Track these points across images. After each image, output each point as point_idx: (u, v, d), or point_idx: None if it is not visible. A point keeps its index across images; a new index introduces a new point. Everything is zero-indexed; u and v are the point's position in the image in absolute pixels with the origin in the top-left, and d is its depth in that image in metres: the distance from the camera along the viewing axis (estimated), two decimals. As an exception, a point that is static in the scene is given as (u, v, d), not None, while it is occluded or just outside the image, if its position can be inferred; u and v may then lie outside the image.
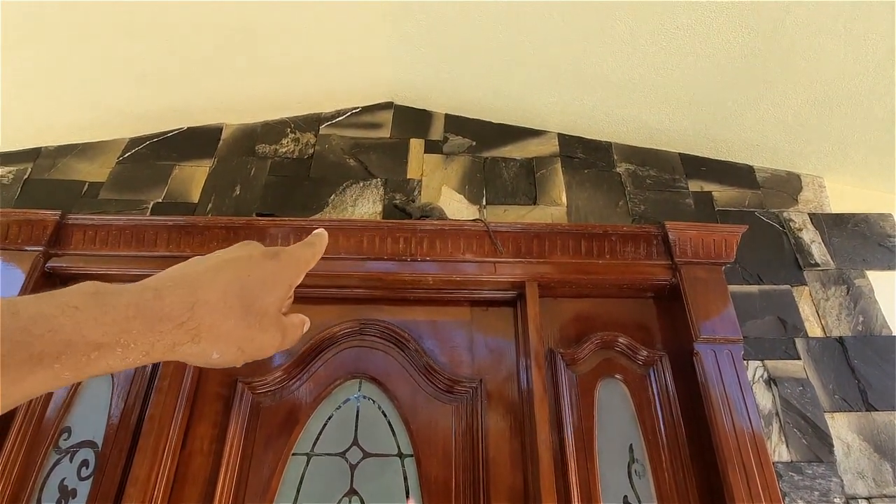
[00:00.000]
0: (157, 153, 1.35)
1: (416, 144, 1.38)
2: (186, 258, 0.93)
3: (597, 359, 1.17)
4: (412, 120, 1.43)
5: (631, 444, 1.11)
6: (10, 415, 1.08)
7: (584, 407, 1.12)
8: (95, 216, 1.17)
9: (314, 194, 1.28)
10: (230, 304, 0.29)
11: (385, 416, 1.13)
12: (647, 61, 1.15)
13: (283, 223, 1.16)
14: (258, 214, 1.23)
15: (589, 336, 1.17)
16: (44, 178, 1.31)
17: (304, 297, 1.20)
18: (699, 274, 1.18)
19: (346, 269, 1.15)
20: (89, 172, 1.32)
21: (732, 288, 1.19)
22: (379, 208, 1.26)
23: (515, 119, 1.42)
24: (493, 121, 1.43)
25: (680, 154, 1.42)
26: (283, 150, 1.36)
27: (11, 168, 1.32)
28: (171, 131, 1.39)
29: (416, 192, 1.28)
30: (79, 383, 1.13)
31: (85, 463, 1.06)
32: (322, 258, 1.15)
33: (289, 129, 1.40)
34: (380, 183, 1.30)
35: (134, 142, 1.37)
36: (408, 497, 1.05)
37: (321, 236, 0.41)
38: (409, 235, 1.15)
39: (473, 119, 1.43)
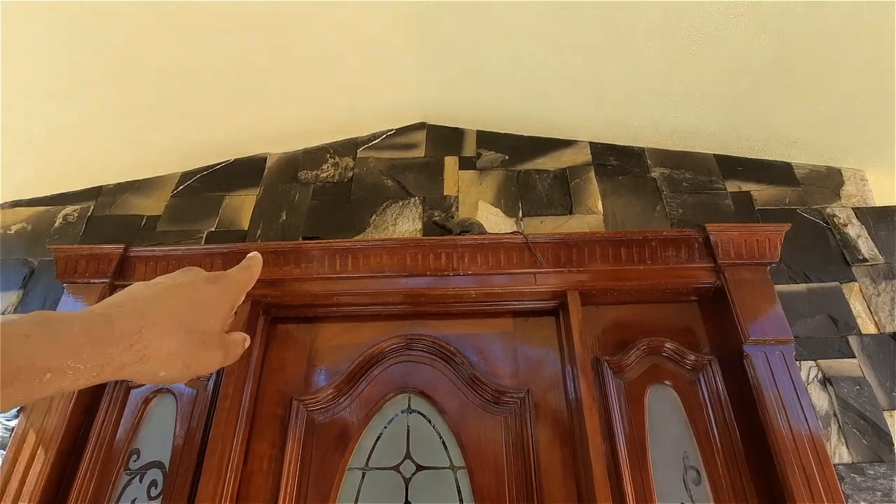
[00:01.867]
0: (208, 185, 1.43)
1: (450, 162, 1.42)
2: None
3: (644, 365, 1.17)
4: (445, 138, 1.47)
5: (685, 451, 1.09)
6: (84, 438, 1.15)
7: (634, 414, 1.12)
8: (156, 248, 1.25)
9: (356, 215, 1.33)
10: (176, 326, 0.32)
11: (435, 429, 1.15)
12: (677, 65, 1.16)
13: (330, 245, 1.21)
14: (304, 238, 1.28)
15: (634, 342, 1.16)
16: (106, 214, 1.40)
17: (351, 316, 1.25)
18: (744, 275, 1.17)
19: (390, 287, 1.19)
20: (147, 207, 1.40)
21: (779, 288, 1.17)
22: (419, 226, 1.30)
23: (547, 131, 1.45)
24: (525, 134, 1.46)
25: (715, 155, 1.41)
26: (324, 175, 1.42)
27: (76, 206, 1.43)
28: (219, 164, 1.47)
29: (453, 209, 1.32)
30: (145, 408, 1.19)
31: (154, 483, 1.11)
32: (367, 276, 1.20)
33: (328, 155, 1.46)
34: (418, 201, 1.34)
35: (185, 176, 1.45)
36: (462, 509, 1.07)
37: (255, 258, 0.45)
38: (451, 251, 1.18)
39: (505, 133, 1.47)
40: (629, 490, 1.03)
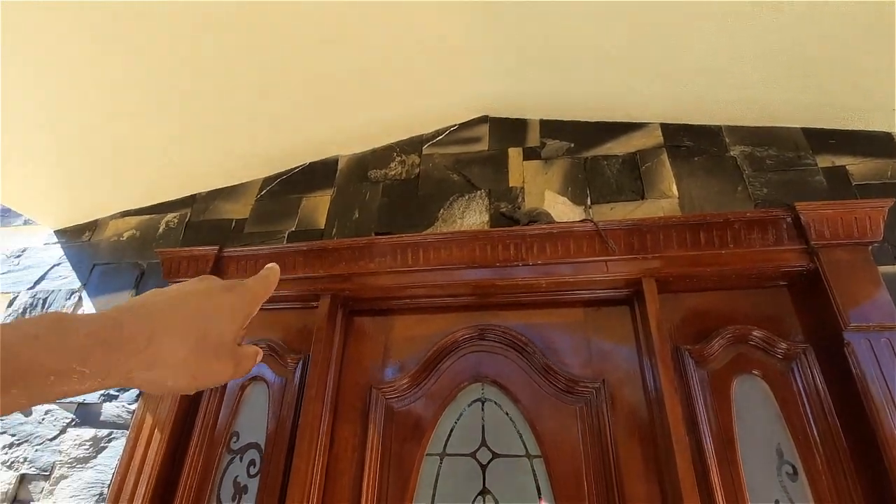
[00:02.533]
0: (287, 188, 1.53)
1: (514, 153, 1.42)
2: (321, 278, 1.05)
3: (729, 355, 1.11)
4: (508, 130, 1.47)
5: (778, 445, 1.03)
6: (191, 423, 1.28)
7: (719, 406, 1.07)
8: (245, 248, 1.36)
9: (424, 210, 1.37)
10: (187, 334, 0.31)
11: (509, 417, 1.16)
12: (757, 34, 1.09)
13: (401, 239, 1.25)
14: (377, 234, 1.34)
15: (718, 331, 1.11)
16: (201, 219, 1.55)
17: (423, 307, 1.29)
18: (841, 256, 1.07)
19: (460, 278, 1.21)
20: (235, 211, 1.53)
21: (883, 269, 1.07)
22: (486, 218, 1.31)
23: (613, 115, 1.41)
24: (590, 120, 1.43)
25: (803, 129, 1.30)
26: (392, 173, 1.47)
27: (176, 214, 1.58)
28: (296, 168, 1.57)
29: (519, 199, 1.32)
30: (241, 394, 1.30)
31: (252, 462, 1.22)
32: (437, 269, 1.23)
33: (395, 154, 1.51)
34: (484, 194, 1.36)
35: (267, 181, 1.57)
36: (540, 497, 1.07)
37: (273, 269, 0.43)
38: (519, 241, 1.19)
39: (569, 121, 1.44)
40: (717, 485, 0.98)
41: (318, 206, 1.47)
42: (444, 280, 1.22)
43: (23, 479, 1.24)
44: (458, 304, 1.27)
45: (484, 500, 1.08)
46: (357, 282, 1.26)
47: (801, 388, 1.05)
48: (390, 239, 1.26)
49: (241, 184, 1.59)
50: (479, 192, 1.37)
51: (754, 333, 1.10)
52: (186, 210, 1.58)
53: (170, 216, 1.58)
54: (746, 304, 1.16)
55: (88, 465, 1.22)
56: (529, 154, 1.41)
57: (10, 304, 1.55)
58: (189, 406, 1.28)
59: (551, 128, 1.45)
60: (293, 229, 1.44)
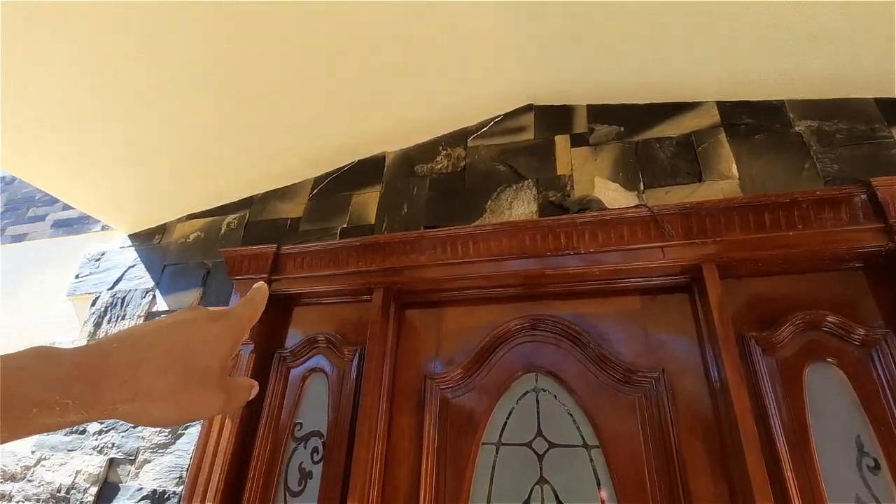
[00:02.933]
0: (338, 186, 1.58)
1: (561, 141, 1.40)
2: (373, 272, 1.08)
3: (799, 342, 1.05)
4: (554, 117, 1.45)
5: (858, 437, 0.96)
6: (258, 413, 1.35)
7: (790, 396, 1.01)
8: (301, 245, 1.42)
9: (472, 203, 1.37)
10: (172, 364, 0.30)
11: (565, 407, 1.15)
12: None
13: (450, 232, 1.27)
14: (425, 227, 1.36)
15: (787, 317, 1.05)
16: (258, 219, 1.62)
17: (474, 299, 1.30)
18: (926, 234, 0.99)
19: (511, 269, 1.21)
20: (289, 210, 1.60)
21: (979, 247, 0.98)
22: (534, 208, 1.30)
23: (665, 96, 1.36)
24: (641, 102, 1.38)
25: (876, 99, 1.21)
26: (439, 167, 1.49)
27: (235, 215, 1.67)
28: (345, 166, 1.61)
29: (568, 188, 1.30)
30: (302, 385, 1.36)
31: (315, 449, 1.27)
32: (487, 260, 1.23)
33: (440, 147, 1.53)
34: (531, 183, 1.35)
35: (318, 180, 1.62)
36: (599, 488, 1.06)
37: (260, 290, 0.41)
38: (570, 230, 1.17)
39: (618, 105, 1.40)
40: (791, 479, 0.94)
41: (368, 202, 1.50)
42: (494, 271, 1.22)
43: (111, 463, 1.36)
44: (509, 295, 1.27)
45: (542, 490, 1.08)
46: (408, 275, 1.29)
47: (883, 376, 0.98)
48: (439, 231, 1.28)
49: (294, 184, 1.65)
50: (526, 182, 1.36)
51: (828, 319, 1.03)
52: (245, 211, 1.67)
53: (230, 217, 1.67)
54: (817, 288, 1.09)
55: (168, 450, 1.31)
56: (577, 141, 1.39)
57: (94, 303, 1.69)
58: (256, 396, 1.35)
59: (599, 113, 1.42)
60: (345, 225, 1.49)
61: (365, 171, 1.58)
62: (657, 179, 1.26)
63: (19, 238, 2.16)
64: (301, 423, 1.32)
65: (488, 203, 1.36)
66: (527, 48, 1.31)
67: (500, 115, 1.52)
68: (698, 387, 1.08)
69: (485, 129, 1.51)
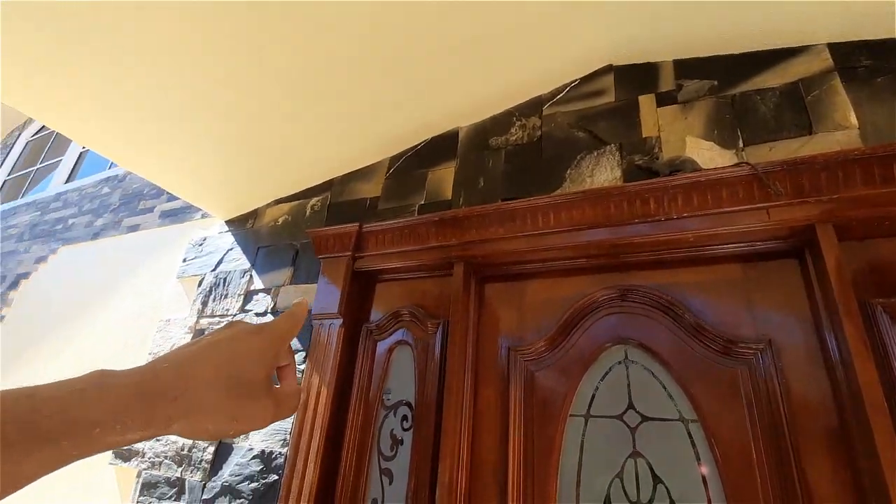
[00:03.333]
0: (413, 164, 1.60)
1: (645, 101, 1.31)
2: (453, 246, 1.08)
3: (940, 308, 0.92)
4: (636, 77, 1.36)
5: None
6: (350, 383, 1.43)
7: (928, 368, 0.90)
8: (382, 223, 1.46)
9: (550, 173, 1.33)
10: (220, 379, 0.32)
11: (658, 380, 1.11)
12: None
13: (530, 202, 1.24)
14: (503, 200, 1.34)
15: (923, 280, 0.93)
16: (340, 201, 1.69)
17: (557, 270, 1.27)
18: None
19: (595, 238, 1.17)
20: (368, 190, 1.65)
21: None
22: (618, 174, 1.24)
23: (764, 42, 1.22)
24: (736, 52, 1.26)
25: None
26: (514, 138, 1.46)
27: (318, 197, 1.75)
28: (420, 144, 1.63)
29: (656, 150, 1.22)
30: (389, 357, 1.42)
31: (405, 417, 1.33)
32: (570, 230, 1.19)
33: (514, 119, 1.49)
34: (614, 149, 1.28)
35: (393, 160, 1.65)
36: (699, 463, 1.01)
37: (301, 305, 0.42)
38: (661, 194, 1.11)
39: (709, 57, 1.29)
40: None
41: (444, 178, 1.51)
42: (578, 241, 1.19)
43: (225, 426, 1.50)
44: (593, 266, 1.23)
45: (635, 463, 1.06)
46: (488, 248, 1.28)
47: None
48: (520, 202, 1.26)
49: (371, 165, 1.70)
50: (608, 147, 1.29)
51: (978, 282, 0.89)
52: (326, 194, 1.74)
53: (314, 200, 1.76)
54: (963, 247, 0.95)
55: (272, 415, 1.43)
56: (664, 100, 1.29)
57: (200, 284, 1.86)
58: (346, 367, 1.43)
59: (688, 67, 1.31)
60: (422, 202, 1.51)
61: (439, 148, 1.58)
62: (758, 135, 1.15)
63: (134, 228, 2.42)
64: (389, 393, 1.38)
65: (568, 172, 1.31)
66: (603, 4, 1.23)
67: (576, 80, 1.45)
68: (812, 360, 0.99)
69: (560, 95, 1.45)
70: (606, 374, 1.16)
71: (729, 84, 1.24)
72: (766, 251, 1.09)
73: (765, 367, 1.02)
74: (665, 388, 1.09)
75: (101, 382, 0.28)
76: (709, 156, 1.16)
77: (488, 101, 1.52)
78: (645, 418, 1.08)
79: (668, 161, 1.15)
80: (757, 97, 1.19)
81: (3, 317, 2.77)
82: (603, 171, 1.26)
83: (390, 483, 1.27)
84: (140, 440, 0.29)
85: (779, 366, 1.00)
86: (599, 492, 1.07)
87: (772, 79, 1.20)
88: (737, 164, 1.06)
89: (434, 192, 1.51)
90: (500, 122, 1.52)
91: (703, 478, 1.00)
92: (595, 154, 1.30)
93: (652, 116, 1.28)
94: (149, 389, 0.29)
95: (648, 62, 1.37)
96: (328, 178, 1.78)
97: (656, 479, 1.03)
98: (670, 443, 1.05)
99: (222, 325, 0.37)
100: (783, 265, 1.08)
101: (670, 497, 1.01)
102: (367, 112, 1.51)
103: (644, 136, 1.26)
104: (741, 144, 1.15)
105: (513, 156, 1.43)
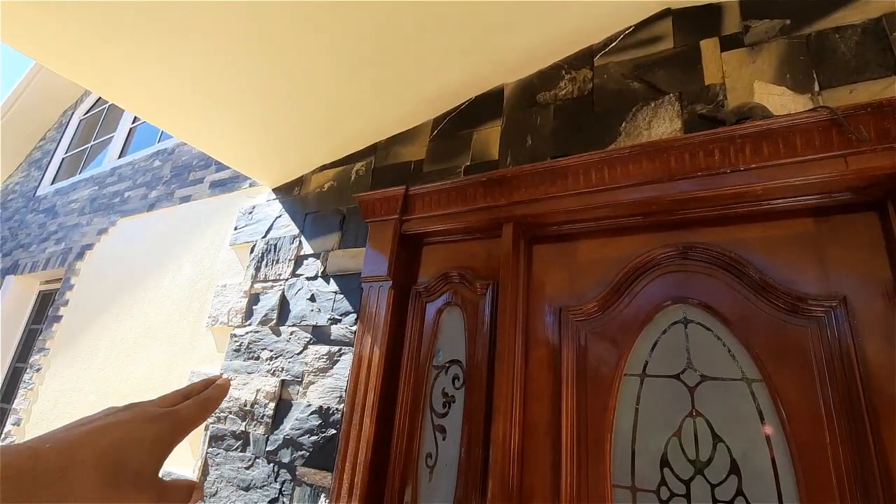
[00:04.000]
0: (457, 125, 1.57)
1: (708, 46, 1.22)
2: (502, 206, 1.05)
3: None
4: (697, 20, 1.27)
5: None
6: (401, 343, 1.46)
7: None
8: (428, 185, 1.45)
9: (603, 127, 1.28)
10: (103, 466, 0.30)
11: (720, 339, 1.07)
12: None
13: (583, 158, 1.20)
14: (552, 158, 1.30)
15: None
16: (384, 165, 1.69)
17: (611, 229, 1.24)
18: None
19: (653, 194, 1.12)
20: (412, 153, 1.63)
21: None
22: (678, 125, 1.17)
23: (849, -28, 1.10)
24: (813, -14, 1.14)
25: None
26: (563, 92, 1.40)
27: (363, 162, 1.75)
28: (463, 104, 1.59)
29: (720, 98, 1.14)
30: (439, 317, 1.43)
31: (456, 376, 1.35)
32: (626, 186, 1.15)
33: (563, 72, 1.43)
34: (673, 98, 1.21)
35: (437, 121, 1.63)
36: (763, 422, 0.99)
37: (220, 387, 0.39)
38: (726, 144, 1.04)
39: (782, -7, 1.18)
40: None
41: (490, 138, 1.48)
42: (635, 197, 1.14)
43: (283, 384, 1.58)
44: (650, 223, 1.19)
45: (694, 422, 1.04)
46: (539, 207, 1.26)
47: None
48: (573, 158, 1.21)
49: (414, 127, 1.67)
50: (666, 97, 1.22)
51: None
52: (370, 158, 1.74)
53: (358, 165, 1.76)
54: None
55: (328, 374, 1.49)
56: (728, 43, 1.20)
57: (252, 250, 1.92)
58: (397, 329, 1.46)
59: (755, 6, 1.20)
60: (468, 163, 1.48)
61: (484, 107, 1.54)
62: (837, 77, 1.05)
63: (186, 199, 2.51)
64: (440, 352, 1.40)
65: (622, 126, 1.25)
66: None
67: (630, 27, 1.36)
68: (892, 319, 0.93)
69: (613, 44, 1.37)
70: (663, 333, 1.13)
71: (803, 23, 1.13)
72: (842, 203, 1.02)
73: (837, 325, 0.97)
74: (727, 348, 1.06)
75: None
76: (780, 101, 1.07)
77: (535, 54, 1.45)
78: (705, 378, 1.06)
79: (734, 109, 1.08)
80: (835, 35, 1.09)
81: (73, 286, 2.97)
82: (661, 123, 1.20)
83: (444, 438, 1.31)
84: None
85: (853, 324, 0.95)
86: (656, 451, 1.06)
87: (852, 15, 1.09)
88: (814, 109, 0.98)
89: (480, 152, 1.48)
90: (548, 77, 1.45)
91: (767, 437, 0.97)
92: (652, 105, 1.23)
93: (715, 62, 1.19)
94: (25, 472, 0.27)
95: (710, 3, 1.27)
96: (372, 143, 1.77)
97: (716, 438, 1.01)
98: (732, 402, 1.02)
99: (122, 406, 0.35)
100: (861, 218, 1.01)
101: (731, 455, 0.99)
102: (409, 74, 1.48)
103: (707, 83, 1.18)
104: (817, 88, 1.06)
105: (562, 111, 1.38)
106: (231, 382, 1.68)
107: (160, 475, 0.34)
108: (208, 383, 0.40)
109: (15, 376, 3.60)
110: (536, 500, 1.13)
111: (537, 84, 1.47)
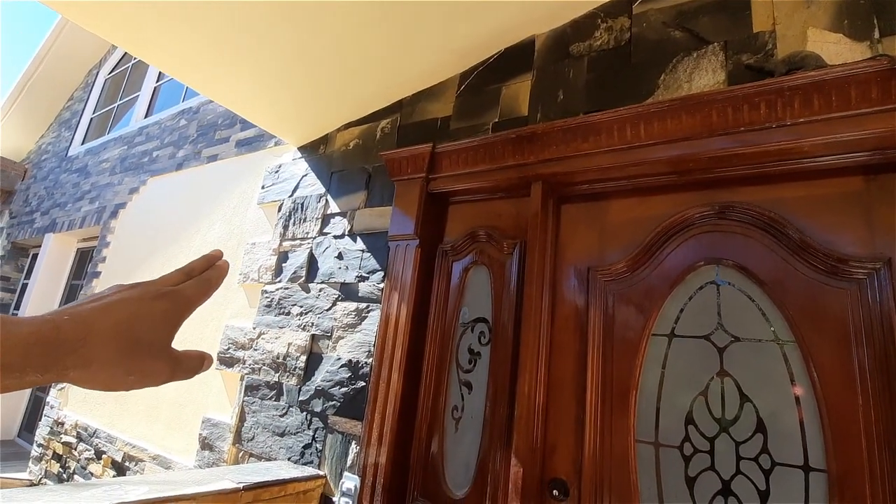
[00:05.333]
0: (485, 79, 1.52)
1: (758, -10, 1.14)
2: (531, 165, 1.03)
3: None
4: (748, -39, 1.17)
5: None
6: (427, 300, 1.48)
7: None
8: (456, 143, 1.42)
9: (641, 80, 1.22)
10: (118, 336, 0.33)
11: (753, 300, 1.05)
12: None
13: (618, 113, 1.15)
14: (586, 114, 1.26)
15: None
16: (410, 122, 1.66)
17: (644, 188, 1.20)
18: None
19: (692, 151, 1.08)
20: (438, 110, 1.60)
21: None
22: (721, 77, 1.11)
23: None
24: (882, -82, 1.04)
25: None
26: (598, 43, 1.33)
27: (388, 120, 1.73)
28: (491, 57, 1.54)
29: (769, 47, 1.07)
30: (465, 276, 1.44)
31: (482, 333, 1.37)
32: (663, 142, 1.10)
33: (599, 21, 1.35)
34: (717, 48, 1.14)
35: (464, 76, 1.58)
36: (793, 383, 0.98)
37: (219, 268, 0.41)
38: (774, 97, 0.98)
39: (845, -72, 1.07)
40: None
41: (519, 92, 1.43)
42: (673, 154, 1.10)
43: (313, 338, 1.63)
44: (686, 182, 1.15)
45: (721, 382, 1.04)
46: (570, 165, 1.23)
47: None
48: (607, 114, 1.17)
49: (440, 83, 1.63)
50: (710, 46, 1.15)
51: None
52: (396, 115, 1.71)
53: (383, 122, 1.74)
54: None
55: (356, 329, 1.53)
56: (782, -14, 1.11)
57: (279, 209, 1.95)
58: (424, 286, 1.48)
59: (815, -56, 1.10)
60: (496, 120, 1.45)
61: (513, 60, 1.49)
62: (902, 22, 0.97)
63: (213, 158, 2.54)
64: (467, 310, 1.42)
65: (661, 78, 1.19)
66: None
67: (673, -30, 1.27)
68: (940, 280, 0.90)
69: (654, -11, 1.29)
70: (694, 294, 1.12)
71: (868, -40, 1.04)
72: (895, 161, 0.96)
73: (879, 288, 0.93)
74: (760, 310, 1.04)
75: (3, 328, 0.29)
76: (836, 50, 1.00)
77: (568, 2, 1.38)
78: (735, 339, 1.05)
79: (785, 58, 1.01)
80: (904, -25, 1.00)
81: (109, 243, 3.08)
82: (703, 75, 1.14)
83: (469, 392, 1.35)
84: (37, 384, 0.30)
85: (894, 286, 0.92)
86: (681, 408, 1.07)
87: (926, -50, 0.99)
88: (872, 58, 0.91)
89: (509, 108, 1.44)
90: (583, 26, 1.38)
91: (797, 398, 0.97)
92: (694, 56, 1.17)
93: (765, 8, 1.11)
94: (49, 339, 0.30)
95: (764, -59, 1.17)
96: (397, 99, 1.74)
97: (744, 398, 1.02)
98: (762, 364, 1.01)
99: (128, 284, 0.37)
100: (916, 176, 0.96)
101: (758, 415, 1.00)
102: (435, 25, 1.43)
103: (756, 30, 1.11)
104: (877, 35, 0.99)
105: (597, 63, 1.32)
106: (265, 336, 1.75)
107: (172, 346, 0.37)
108: (209, 262, 0.42)
109: (60, 328, 3.82)
110: (560, 453, 1.17)
111: (570, 34, 1.40)
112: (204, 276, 0.41)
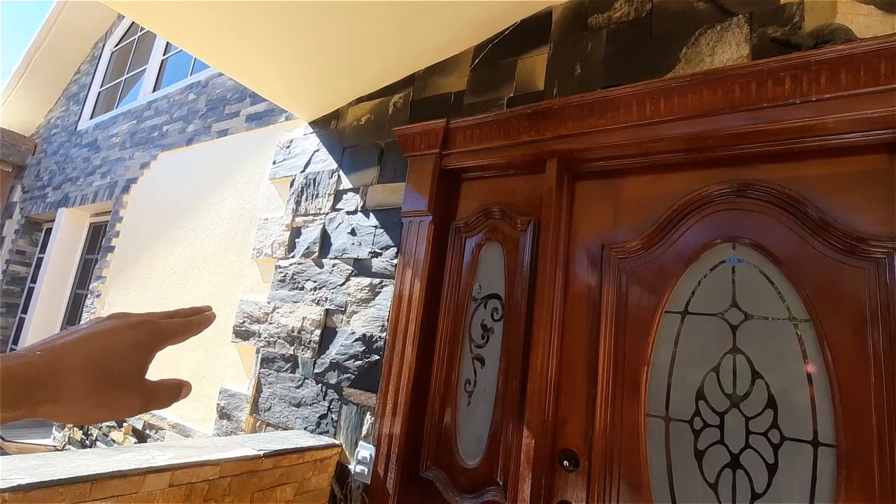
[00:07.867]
0: (500, 53, 1.49)
1: (787, -42, 1.10)
2: (546, 141, 1.02)
3: None
4: (778, -73, 1.13)
5: None
6: (440, 276, 1.49)
7: None
8: (470, 118, 1.41)
9: (661, 53, 1.19)
10: (88, 369, 0.33)
11: (768, 279, 1.05)
12: None
13: (637, 88, 1.14)
14: (603, 88, 1.24)
15: None
16: (422, 97, 1.64)
17: (662, 165, 1.19)
18: None
19: (713, 127, 1.06)
20: (452, 84, 1.58)
21: None
22: (745, 51, 1.08)
23: None
24: None
25: None
26: (618, 14, 1.30)
27: (400, 94, 1.71)
28: (507, 29, 1.50)
29: (796, 19, 1.04)
30: (478, 252, 1.45)
31: (495, 309, 1.39)
32: (683, 118, 1.09)
33: (619, -9, 1.32)
34: (742, 20, 1.11)
35: (478, 49, 1.55)
36: (806, 361, 0.99)
37: (206, 317, 0.42)
38: (799, 72, 0.96)
39: None
40: None
41: (535, 66, 1.40)
42: (693, 130, 1.09)
43: (327, 313, 1.66)
44: (704, 159, 1.14)
45: (734, 359, 1.05)
46: (586, 141, 1.21)
47: None
48: (625, 89, 1.15)
49: (454, 56, 1.60)
50: (734, 19, 1.12)
51: None
52: (408, 90, 1.69)
53: (396, 97, 1.72)
54: None
55: (370, 304, 1.55)
56: (812, -46, 1.07)
57: (291, 184, 1.95)
58: (437, 262, 1.49)
59: None
60: (511, 95, 1.42)
61: (529, 32, 1.45)
62: (938, -8, 0.94)
63: (223, 133, 2.53)
64: (479, 286, 1.44)
65: (682, 52, 1.17)
66: None
67: (698, -63, 1.23)
68: (961, 260, 0.89)
69: (677, -42, 1.24)
70: (709, 272, 1.12)
71: (905, -74, 0.99)
72: (923, 138, 0.94)
73: (898, 267, 0.93)
74: (776, 288, 1.04)
75: None
76: (866, 23, 0.97)
77: (587, -28, 1.34)
78: (749, 316, 1.06)
79: (813, 31, 0.98)
80: (943, -59, 0.96)
81: (122, 218, 3.11)
82: (726, 49, 1.11)
83: (482, 367, 1.37)
84: (7, 421, 0.31)
85: (918, 266, 0.91)
86: (692, 384, 1.09)
87: (969, -86, 0.95)
88: (906, 30, 0.88)
89: (524, 82, 1.41)
90: (602, -2, 1.35)
91: (809, 376, 0.98)
92: (718, 28, 1.13)
93: (794, -23, 1.08)
94: (20, 374, 0.30)
95: None
96: (409, 73, 1.71)
97: (755, 375, 1.03)
98: (775, 341, 1.02)
99: (105, 316, 0.38)
100: (942, 154, 0.94)
101: (769, 391, 1.01)
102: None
103: (782, 2, 1.07)
104: (912, 6, 0.95)
105: (616, 36, 1.29)
106: (280, 310, 1.78)
107: (146, 377, 0.37)
108: (196, 311, 0.43)
109: (76, 302, 3.90)
110: (571, 426, 1.19)
111: (589, 5, 1.36)
112: (187, 318, 0.41)
